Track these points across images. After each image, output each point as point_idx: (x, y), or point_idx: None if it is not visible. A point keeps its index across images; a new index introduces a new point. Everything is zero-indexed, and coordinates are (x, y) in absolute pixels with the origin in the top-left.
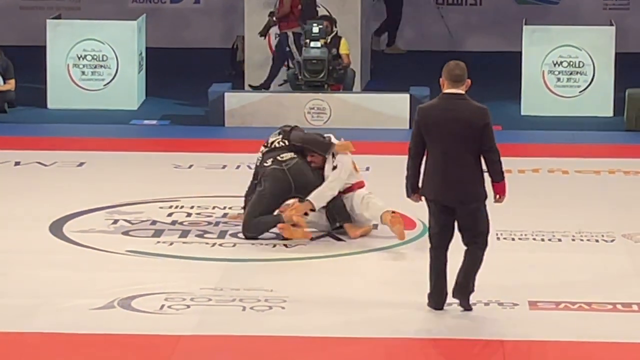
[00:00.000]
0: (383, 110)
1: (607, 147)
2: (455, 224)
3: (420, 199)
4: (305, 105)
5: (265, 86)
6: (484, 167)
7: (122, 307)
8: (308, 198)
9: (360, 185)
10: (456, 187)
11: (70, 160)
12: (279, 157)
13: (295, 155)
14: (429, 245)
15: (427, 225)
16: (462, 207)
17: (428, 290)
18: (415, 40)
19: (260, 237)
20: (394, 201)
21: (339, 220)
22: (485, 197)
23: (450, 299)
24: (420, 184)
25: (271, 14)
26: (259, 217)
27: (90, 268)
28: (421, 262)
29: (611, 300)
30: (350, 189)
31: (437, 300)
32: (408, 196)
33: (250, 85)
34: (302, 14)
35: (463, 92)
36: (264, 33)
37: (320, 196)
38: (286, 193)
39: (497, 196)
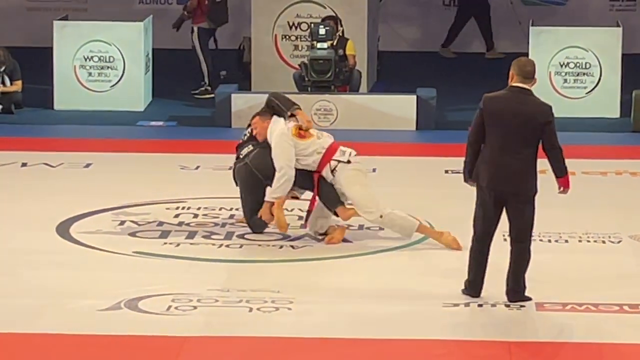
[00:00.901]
0: (390, 111)
1: (614, 148)
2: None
3: (474, 184)
4: (312, 107)
5: (209, 87)
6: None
7: (128, 308)
8: (265, 198)
9: (330, 152)
10: (512, 178)
11: (76, 161)
12: (241, 154)
13: (252, 147)
14: (471, 234)
15: (475, 215)
16: (514, 198)
17: (466, 278)
18: (421, 40)
19: (267, 238)
20: (401, 201)
21: (330, 207)
22: (536, 192)
23: (449, 295)
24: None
25: (185, 7)
26: (255, 217)
27: (97, 269)
28: (430, 262)
29: (618, 301)
30: (325, 159)
31: (476, 289)
32: (465, 181)
33: (194, 94)
34: (209, 11)
35: (530, 88)
36: (176, 26)
37: (274, 188)
38: (259, 184)
39: (562, 188)
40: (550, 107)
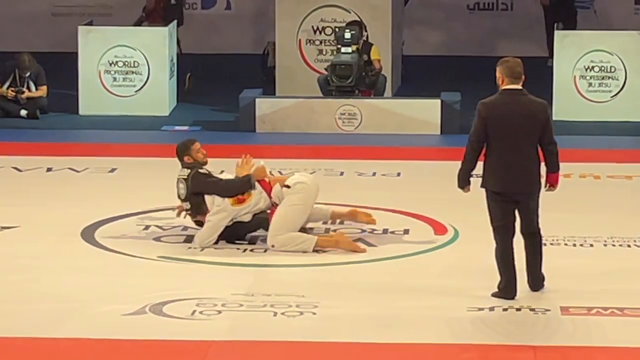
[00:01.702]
0: (414, 115)
1: (639, 152)
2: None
3: (469, 191)
4: (336, 111)
5: None
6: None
7: (153, 313)
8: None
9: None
10: (522, 178)
11: (101, 166)
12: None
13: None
14: (493, 237)
15: (493, 221)
16: (526, 197)
17: (499, 282)
18: (445, 45)
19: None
20: (425, 206)
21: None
22: (541, 186)
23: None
24: (482, 178)
25: (143, 9)
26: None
27: (122, 274)
28: (453, 266)
29: None
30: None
31: (511, 290)
32: (461, 187)
33: None
34: (165, 12)
35: (521, 87)
36: (136, 26)
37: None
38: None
39: (549, 185)
40: (547, 104)
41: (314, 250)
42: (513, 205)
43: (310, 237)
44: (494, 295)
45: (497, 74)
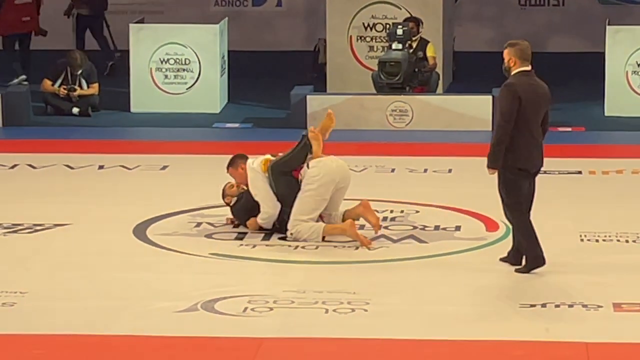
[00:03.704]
0: (465, 112)
1: None
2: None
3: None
4: (387, 108)
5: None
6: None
7: (205, 310)
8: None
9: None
10: (541, 156)
11: (153, 163)
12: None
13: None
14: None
15: (514, 198)
16: (537, 174)
17: (534, 254)
18: (496, 40)
19: (343, 239)
20: (477, 202)
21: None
22: None
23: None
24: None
25: None
26: None
27: (174, 271)
28: (506, 263)
29: None
30: None
31: (542, 256)
32: (497, 165)
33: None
34: None
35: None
36: (66, 13)
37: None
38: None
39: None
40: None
41: (323, 239)
42: (529, 182)
43: (317, 226)
44: (520, 270)
45: (507, 57)
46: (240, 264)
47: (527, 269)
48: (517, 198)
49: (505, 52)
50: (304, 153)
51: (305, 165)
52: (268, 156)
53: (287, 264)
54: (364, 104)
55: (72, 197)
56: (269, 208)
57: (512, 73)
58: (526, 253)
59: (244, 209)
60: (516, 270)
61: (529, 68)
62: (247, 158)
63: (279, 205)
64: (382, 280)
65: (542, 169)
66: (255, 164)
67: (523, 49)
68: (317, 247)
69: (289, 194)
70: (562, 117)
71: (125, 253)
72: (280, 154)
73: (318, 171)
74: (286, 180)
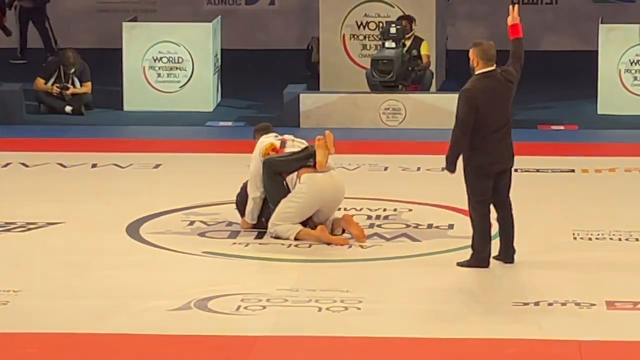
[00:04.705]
0: None
1: None
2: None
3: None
4: (380, 106)
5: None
6: None
7: (198, 308)
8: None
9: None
10: (509, 153)
11: (146, 162)
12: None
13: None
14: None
15: (476, 196)
16: (509, 169)
17: (481, 254)
18: (490, 39)
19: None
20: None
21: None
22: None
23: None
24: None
25: None
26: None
27: (167, 269)
28: (499, 260)
29: None
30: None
31: (488, 259)
32: (451, 169)
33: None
34: None
35: (494, 67)
36: (8, 5)
37: (247, 213)
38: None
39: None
40: (510, 67)
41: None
42: (493, 181)
43: (293, 227)
44: (461, 264)
45: (471, 57)
46: (233, 263)
47: (467, 264)
48: (480, 197)
49: (470, 52)
50: (303, 162)
51: (295, 173)
52: (272, 140)
53: (281, 263)
54: (357, 102)
55: (65, 195)
56: (252, 189)
57: (475, 73)
58: (474, 250)
59: (245, 200)
60: (458, 264)
61: (492, 68)
62: (267, 132)
63: (262, 190)
64: (375, 279)
65: (535, 167)
66: (263, 144)
67: (485, 49)
68: (310, 246)
69: (274, 193)
70: (555, 115)
71: (118, 251)
72: (286, 151)
73: (307, 188)
74: (274, 180)
